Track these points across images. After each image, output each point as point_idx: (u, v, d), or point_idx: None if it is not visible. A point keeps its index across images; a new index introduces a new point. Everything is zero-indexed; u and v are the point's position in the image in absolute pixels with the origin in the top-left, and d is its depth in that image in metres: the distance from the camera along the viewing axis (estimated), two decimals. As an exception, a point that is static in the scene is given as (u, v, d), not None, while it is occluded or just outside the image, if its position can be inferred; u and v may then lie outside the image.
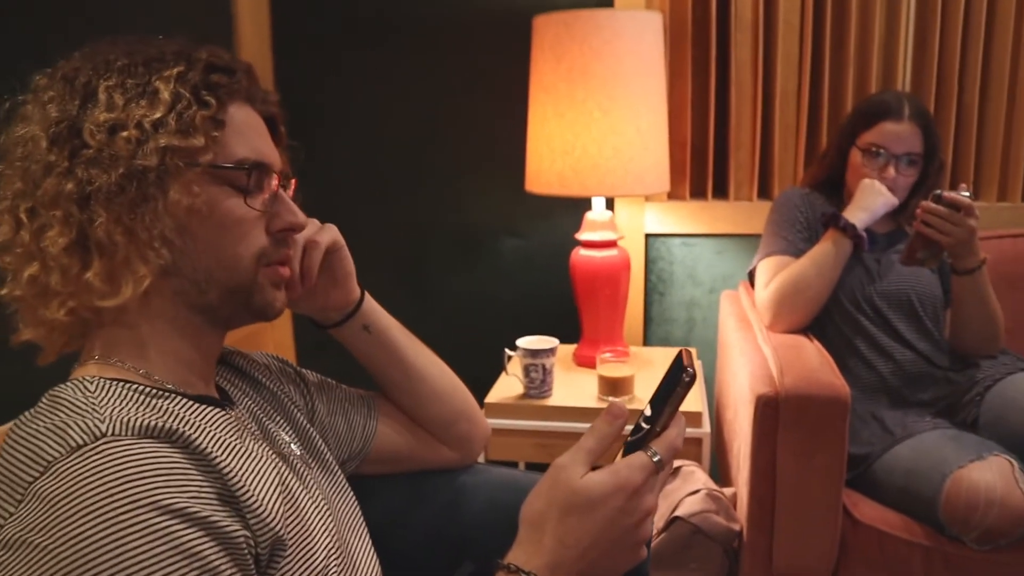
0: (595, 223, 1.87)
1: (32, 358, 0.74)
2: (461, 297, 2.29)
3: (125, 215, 0.68)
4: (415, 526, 1.04)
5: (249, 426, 0.80)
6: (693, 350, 2.12)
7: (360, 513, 0.93)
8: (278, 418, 0.89)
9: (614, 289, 1.86)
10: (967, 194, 1.50)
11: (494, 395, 1.78)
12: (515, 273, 2.23)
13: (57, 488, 0.57)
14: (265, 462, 0.73)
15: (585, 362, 1.91)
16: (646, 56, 1.72)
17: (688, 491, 1.58)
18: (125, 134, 0.67)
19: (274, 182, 0.76)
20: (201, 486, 0.62)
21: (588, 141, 1.70)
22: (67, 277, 0.68)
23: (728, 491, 1.64)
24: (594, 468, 0.65)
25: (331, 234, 0.89)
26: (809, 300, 1.63)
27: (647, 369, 1.90)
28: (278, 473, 0.74)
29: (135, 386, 0.69)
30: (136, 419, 0.62)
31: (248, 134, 0.75)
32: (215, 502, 0.62)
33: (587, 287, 1.87)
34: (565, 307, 1.99)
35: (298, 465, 0.83)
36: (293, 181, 0.82)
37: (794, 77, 2.03)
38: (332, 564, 0.76)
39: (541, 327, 1.86)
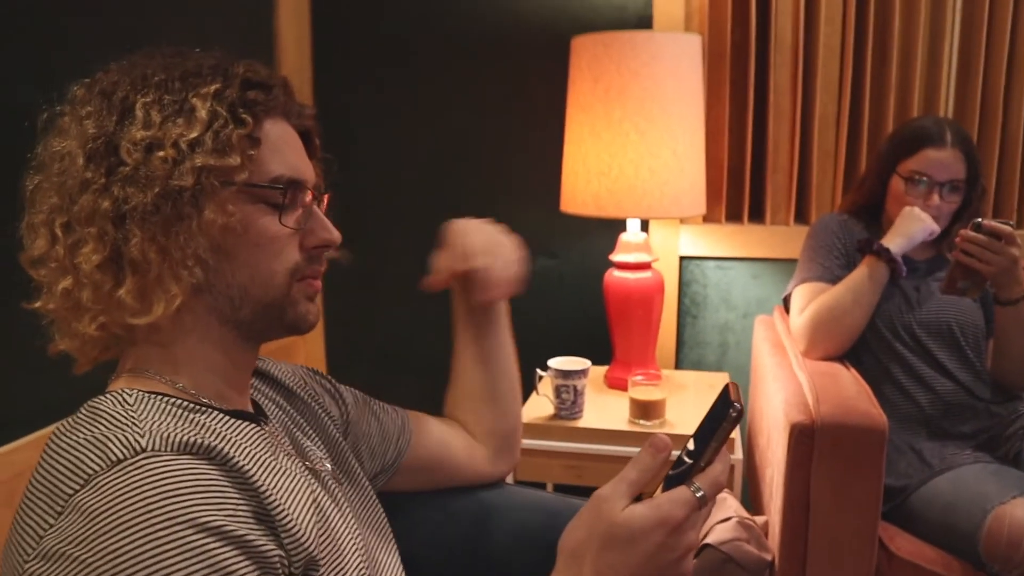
0: (629, 244, 1.86)
1: (68, 367, 0.74)
2: (493, 315, 2.28)
3: (160, 234, 0.68)
4: (444, 544, 1.04)
5: (282, 441, 0.80)
6: (737, 384, 2.09)
7: (390, 530, 0.93)
8: (311, 432, 0.90)
9: (647, 311, 1.85)
10: (1008, 222, 1.48)
11: (524, 415, 1.76)
12: (548, 293, 2.23)
13: (97, 502, 0.58)
14: (298, 480, 0.73)
15: (617, 384, 1.90)
16: (684, 78, 1.71)
17: (719, 519, 1.55)
18: (162, 154, 0.67)
19: (308, 197, 0.76)
20: (238, 504, 0.62)
21: (624, 162, 1.70)
22: (99, 294, 0.68)
23: (760, 519, 1.60)
24: (635, 500, 0.64)
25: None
26: (846, 327, 1.61)
27: (679, 393, 1.88)
28: (311, 491, 0.74)
29: (172, 399, 0.70)
30: (175, 435, 0.63)
31: (283, 150, 0.75)
32: (251, 520, 0.62)
33: (620, 309, 1.86)
34: (597, 328, 1.98)
35: (329, 482, 0.83)
36: (326, 196, 0.82)
37: (834, 102, 2.01)
38: (362, 582, 0.76)
39: (573, 348, 1.85)
